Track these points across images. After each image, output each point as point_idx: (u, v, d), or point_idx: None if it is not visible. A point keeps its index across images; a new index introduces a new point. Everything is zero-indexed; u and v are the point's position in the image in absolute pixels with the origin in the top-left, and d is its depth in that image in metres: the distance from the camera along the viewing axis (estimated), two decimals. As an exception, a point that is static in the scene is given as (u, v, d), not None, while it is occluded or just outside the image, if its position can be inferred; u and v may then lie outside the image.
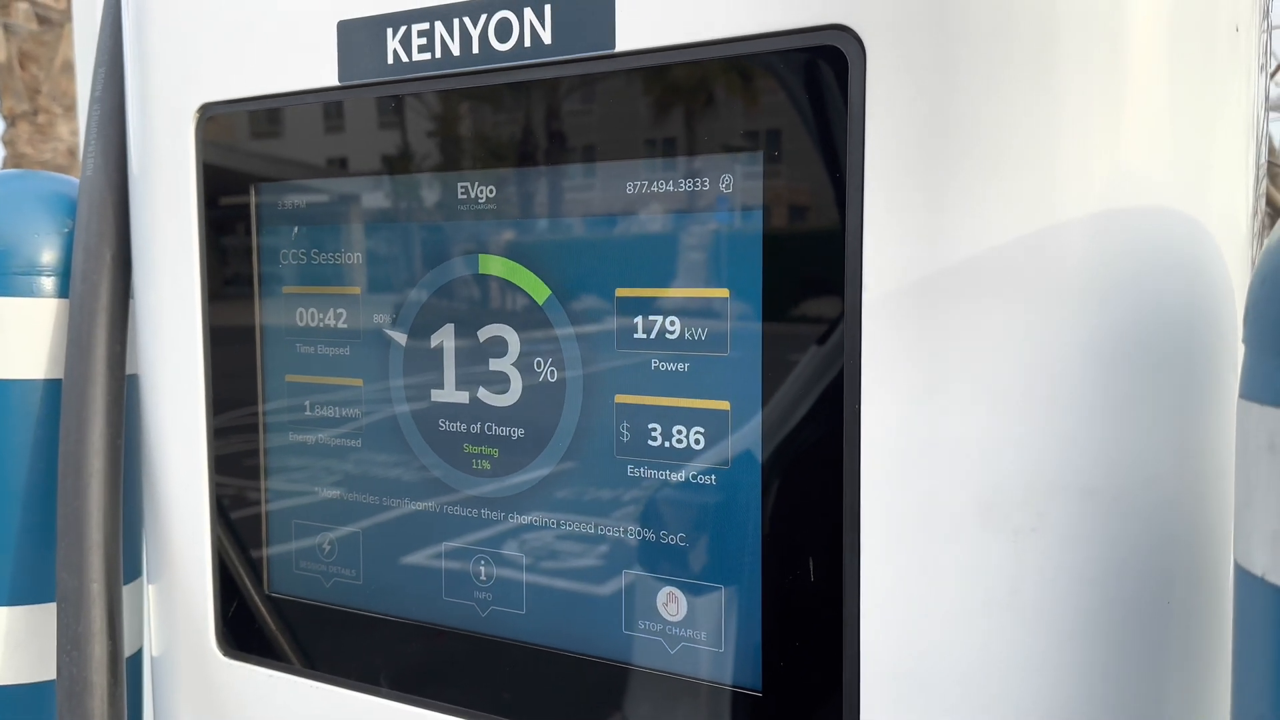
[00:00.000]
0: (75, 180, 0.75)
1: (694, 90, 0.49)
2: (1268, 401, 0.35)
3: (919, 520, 0.45)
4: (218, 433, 0.66)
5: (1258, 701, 0.35)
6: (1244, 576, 0.37)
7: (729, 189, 0.49)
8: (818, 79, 0.46)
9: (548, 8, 0.52)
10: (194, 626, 0.69)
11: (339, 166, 0.61)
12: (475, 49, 0.54)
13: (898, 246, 0.45)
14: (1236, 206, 0.48)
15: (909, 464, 0.45)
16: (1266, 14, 0.66)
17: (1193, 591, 0.46)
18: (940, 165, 0.44)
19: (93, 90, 0.72)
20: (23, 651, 0.71)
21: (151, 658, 0.74)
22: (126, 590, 0.71)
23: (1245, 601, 0.37)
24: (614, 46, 0.50)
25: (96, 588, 0.66)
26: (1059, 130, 0.43)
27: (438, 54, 0.55)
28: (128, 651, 0.72)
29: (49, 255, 0.70)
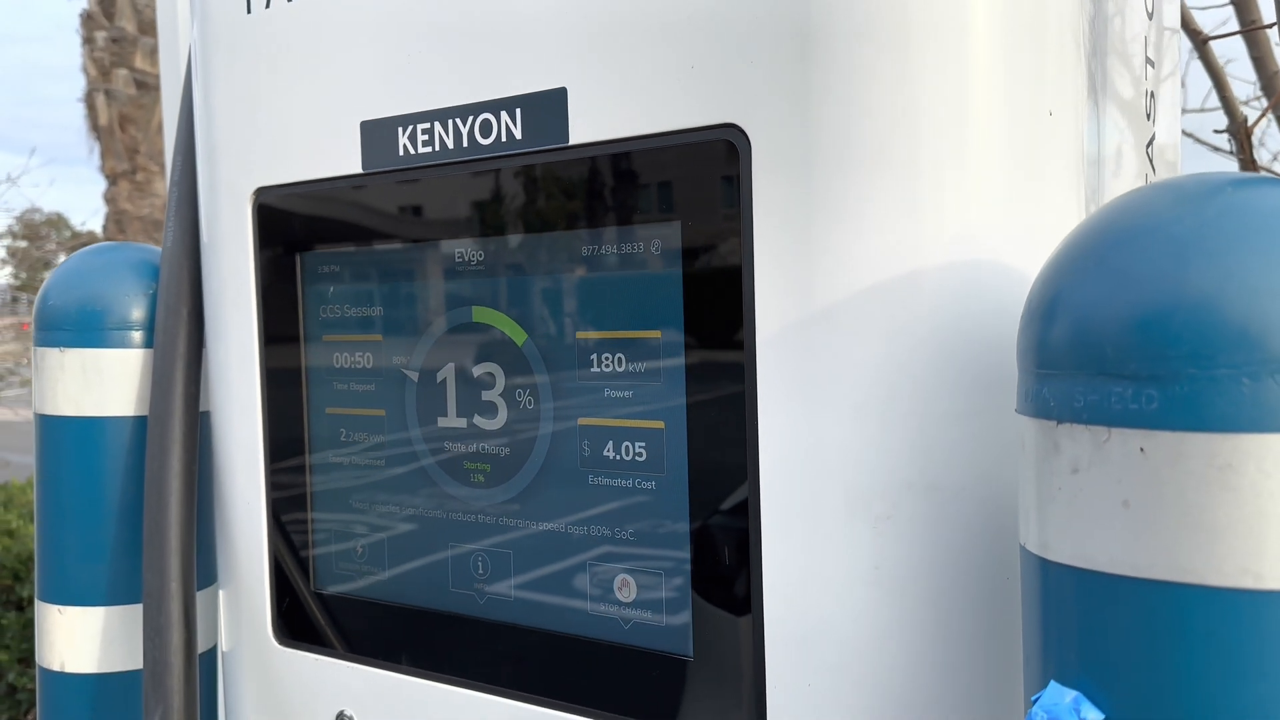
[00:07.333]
0: (158, 249, 0.90)
1: (628, 172, 0.62)
2: (1021, 411, 0.45)
3: (803, 512, 0.56)
4: (273, 457, 0.80)
5: (1029, 645, 0.46)
6: (1021, 550, 0.47)
7: (657, 251, 0.61)
8: (717, 164, 0.58)
9: (518, 110, 0.65)
10: (255, 621, 0.82)
11: (365, 238, 0.75)
12: (465, 143, 0.68)
13: (782, 296, 0.56)
14: (1069, 255, 0.59)
15: (795, 467, 0.56)
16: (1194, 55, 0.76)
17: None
18: (813, 229, 0.55)
19: (171, 175, 0.88)
20: (120, 644, 0.85)
21: (222, 653, 0.88)
22: (202, 595, 0.85)
23: (1023, 569, 0.47)
24: (568, 140, 0.63)
25: (174, 586, 0.80)
26: (913, 202, 0.55)
27: (437, 147, 0.69)
28: (204, 647, 0.86)
29: (138, 313, 0.86)
